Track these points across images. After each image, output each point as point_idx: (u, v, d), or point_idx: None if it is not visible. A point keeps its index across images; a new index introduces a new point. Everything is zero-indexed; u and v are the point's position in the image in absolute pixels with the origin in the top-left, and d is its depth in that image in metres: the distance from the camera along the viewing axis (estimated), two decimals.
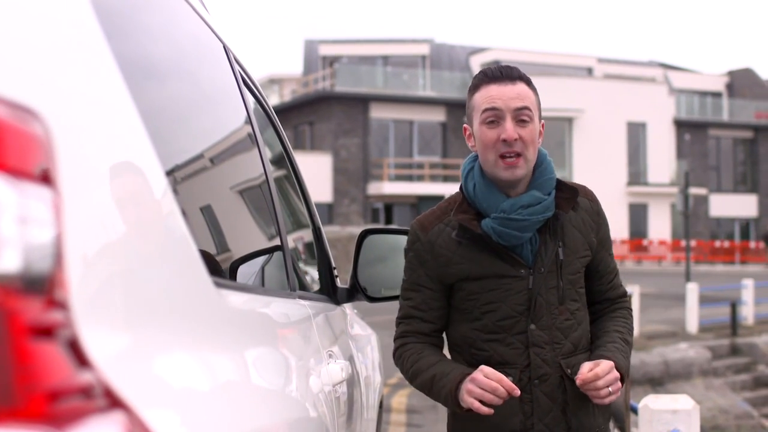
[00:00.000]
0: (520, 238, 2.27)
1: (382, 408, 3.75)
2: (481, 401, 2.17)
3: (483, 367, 2.20)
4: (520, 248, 2.29)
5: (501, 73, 2.30)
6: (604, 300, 2.46)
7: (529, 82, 2.34)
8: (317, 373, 1.86)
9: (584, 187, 2.43)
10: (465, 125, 2.39)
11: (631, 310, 2.51)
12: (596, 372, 2.20)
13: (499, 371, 2.25)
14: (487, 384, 2.16)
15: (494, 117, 2.26)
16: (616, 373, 2.23)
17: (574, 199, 2.34)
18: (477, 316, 2.31)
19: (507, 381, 2.18)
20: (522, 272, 2.28)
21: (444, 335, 2.44)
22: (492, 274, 2.29)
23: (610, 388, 2.21)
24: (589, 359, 2.30)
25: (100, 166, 0.93)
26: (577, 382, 2.21)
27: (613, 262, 2.48)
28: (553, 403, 2.28)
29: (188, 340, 1.09)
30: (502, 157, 2.26)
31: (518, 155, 2.25)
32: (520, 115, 2.26)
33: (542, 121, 2.37)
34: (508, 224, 2.26)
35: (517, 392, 2.18)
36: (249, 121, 1.95)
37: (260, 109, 2.27)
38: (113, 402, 0.79)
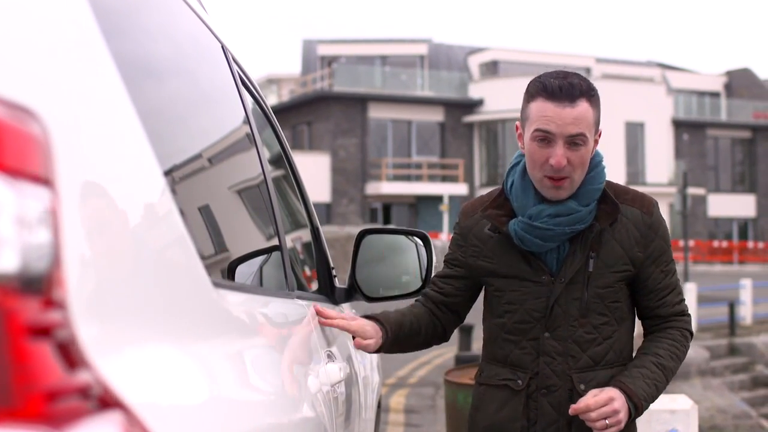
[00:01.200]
0: (541, 246, 2.22)
1: (381, 408, 3.75)
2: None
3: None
4: (545, 254, 2.25)
5: (561, 91, 2.14)
6: (654, 317, 2.33)
7: (590, 96, 2.18)
8: (315, 373, 1.86)
9: (643, 197, 2.30)
10: (517, 123, 2.30)
11: (687, 330, 2.34)
12: (588, 403, 2.12)
13: (511, 373, 2.28)
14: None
15: (545, 138, 2.16)
16: (614, 406, 2.12)
17: (615, 214, 2.24)
18: (500, 313, 2.32)
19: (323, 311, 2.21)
20: (543, 279, 2.24)
21: (451, 315, 2.46)
22: (515, 275, 2.27)
23: (606, 421, 2.12)
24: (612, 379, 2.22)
25: (98, 166, 0.93)
26: (570, 411, 2.15)
27: (668, 278, 2.31)
28: (559, 416, 2.23)
29: (186, 340, 1.09)
30: (548, 177, 2.19)
31: (565, 178, 2.18)
32: (574, 140, 2.15)
33: (600, 130, 2.26)
34: (531, 231, 2.22)
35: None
36: (247, 121, 1.95)
37: (258, 109, 2.27)
38: (111, 402, 0.79)
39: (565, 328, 2.22)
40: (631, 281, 2.29)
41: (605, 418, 2.12)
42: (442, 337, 2.49)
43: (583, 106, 2.16)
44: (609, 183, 2.32)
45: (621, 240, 2.25)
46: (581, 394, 2.20)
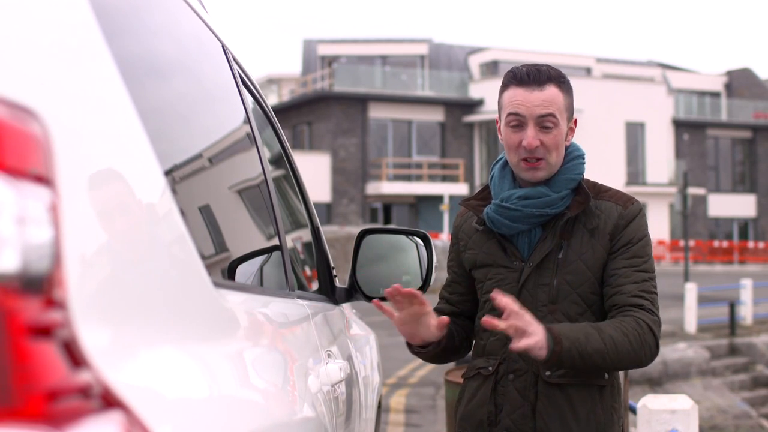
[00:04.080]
0: (510, 227, 2.30)
1: (381, 408, 3.75)
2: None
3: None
4: (518, 240, 2.32)
5: (528, 77, 2.26)
6: (611, 306, 2.23)
7: (560, 83, 2.29)
8: (316, 373, 1.86)
9: (623, 196, 2.34)
10: (496, 118, 2.41)
11: (644, 321, 2.18)
12: (507, 300, 2.04)
13: (484, 361, 2.33)
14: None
15: (517, 122, 2.27)
16: (529, 319, 2.04)
17: (585, 203, 2.28)
18: (481, 305, 2.39)
19: (402, 290, 2.21)
20: (515, 264, 2.30)
21: (469, 322, 2.48)
22: (491, 263, 2.35)
23: (517, 323, 2.02)
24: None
25: (98, 165, 0.93)
26: (483, 322, 2.05)
27: (630, 270, 2.23)
28: (524, 401, 2.25)
29: (186, 340, 1.09)
30: (524, 159, 2.28)
31: (540, 159, 2.26)
32: (544, 122, 2.25)
33: (575, 117, 2.35)
34: (500, 212, 2.30)
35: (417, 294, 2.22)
36: (248, 120, 1.95)
37: (259, 108, 2.27)
38: (111, 401, 0.79)
39: (532, 313, 2.16)
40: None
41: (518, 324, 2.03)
42: (469, 346, 2.51)
43: (551, 90, 2.26)
44: (593, 182, 2.38)
45: (593, 231, 2.28)
46: (546, 381, 2.23)
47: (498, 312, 2.13)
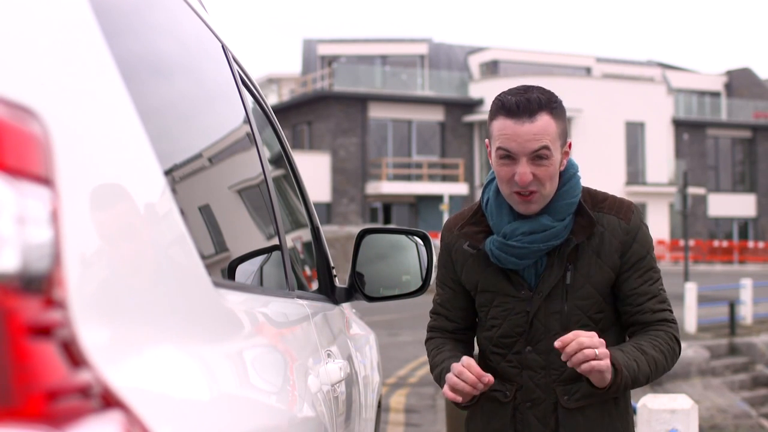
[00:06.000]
0: (518, 264, 2.22)
1: (381, 407, 3.75)
2: (455, 391, 2.14)
3: (465, 358, 2.16)
4: (523, 270, 2.24)
5: (518, 108, 2.12)
6: (635, 323, 2.25)
7: (551, 109, 2.15)
8: (316, 373, 1.86)
9: (621, 204, 2.27)
10: (486, 141, 2.27)
11: (673, 335, 2.24)
12: (576, 331, 2.06)
13: (499, 386, 2.26)
14: (460, 373, 2.13)
15: (508, 155, 2.15)
16: (602, 340, 2.05)
17: (590, 228, 2.21)
18: (487, 327, 2.32)
19: (485, 376, 2.12)
20: (523, 293, 2.24)
21: (471, 333, 2.44)
22: (496, 291, 2.27)
23: (596, 351, 2.02)
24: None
25: (98, 165, 0.93)
26: (556, 344, 2.06)
27: (647, 285, 2.24)
28: (545, 428, 2.23)
29: (186, 339, 1.09)
30: (517, 192, 2.17)
31: (533, 192, 2.16)
32: (537, 155, 2.13)
33: (569, 141, 2.24)
34: (506, 249, 2.21)
35: (489, 378, 2.12)
36: (247, 120, 1.95)
37: (259, 108, 2.27)
38: (111, 401, 0.79)
39: (546, 342, 2.20)
40: (612, 288, 2.25)
41: (594, 348, 2.03)
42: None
43: (543, 120, 2.13)
44: (587, 190, 2.30)
45: (598, 250, 2.22)
46: (565, 407, 2.20)
47: (503, 336, 2.25)
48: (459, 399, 2.16)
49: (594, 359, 2.03)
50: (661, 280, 2.30)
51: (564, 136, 2.20)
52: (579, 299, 2.21)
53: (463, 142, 36.57)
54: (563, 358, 2.06)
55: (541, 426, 2.24)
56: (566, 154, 2.23)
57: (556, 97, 2.21)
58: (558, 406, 2.22)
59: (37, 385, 0.68)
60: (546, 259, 2.23)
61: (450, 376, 2.16)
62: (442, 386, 2.27)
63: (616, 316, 2.29)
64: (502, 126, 2.15)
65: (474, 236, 2.29)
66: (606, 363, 2.04)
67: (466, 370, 2.13)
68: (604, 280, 2.22)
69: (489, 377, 2.13)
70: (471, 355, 2.36)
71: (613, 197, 2.31)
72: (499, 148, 2.16)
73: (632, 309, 2.25)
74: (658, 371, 2.20)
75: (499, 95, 2.20)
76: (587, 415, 2.23)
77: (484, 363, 2.34)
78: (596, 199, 2.28)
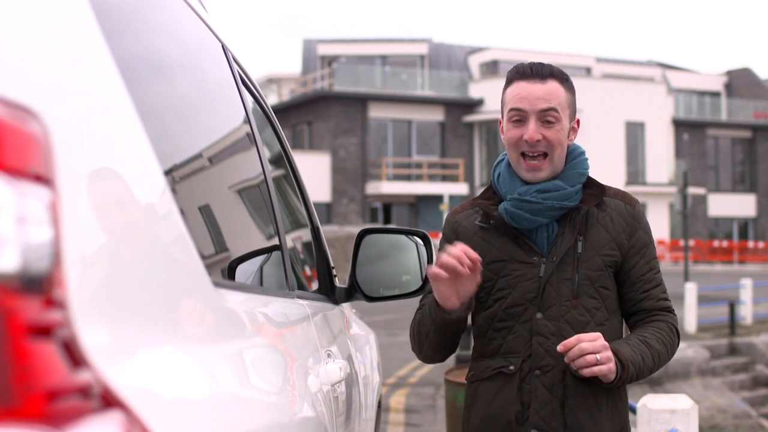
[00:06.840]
0: (531, 221, 2.28)
1: (381, 407, 3.75)
2: (441, 266, 2.12)
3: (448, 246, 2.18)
4: (535, 235, 2.30)
5: (531, 71, 2.29)
6: (639, 310, 2.34)
7: (562, 79, 2.31)
8: (316, 373, 1.86)
9: (625, 193, 2.40)
10: (499, 118, 2.40)
11: (673, 325, 2.36)
12: (579, 336, 2.14)
13: (503, 360, 2.28)
14: (447, 249, 2.14)
15: (519, 117, 2.27)
16: (604, 342, 2.14)
17: (600, 196, 2.33)
18: (489, 304, 2.32)
19: (470, 251, 2.13)
20: (534, 259, 2.28)
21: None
22: (506, 259, 2.31)
23: (598, 356, 2.12)
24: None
25: (98, 165, 0.93)
26: (558, 348, 2.14)
27: (652, 273, 2.35)
28: (553, 396, 2.24)
29: (186, 339, 1.09)
30: (525, 156, 2.27)
31: (543, 156, 2.27)
32: (546, 116, 2.26)
33: (577, 117, 2.36)
34: (520, 206, 2.28)
35: (476, 255, 2.12)
36: (247, 120, 1.95)
37: (259, 108, 2.27)
38: (111, 401, 0.79)
39: (557, 308, 2.25)
40: (617, 273, 2.32)
41: (596, 353, 2.12)
42: (458, 344, 2.47)
43: (553, 84, 2.28)
44: (591, 178, 2.41)
45: (606, 225, 2.31)
46: (574, 375, 2.21)
47: (511, 306, 2.27)
48: (443, 274, 2.12)
49: (595, 365, 2.12)
50: (660, 270, 2.40)
51: (573, 108, 2.33)
52: (589, 269, 2.27)
53: (463, 142, 36.57)
54: (565, 360, 2.15)
55: (549, 395, 2.24)
56: (574, 130, 2.35)
57: (568, 75, 2.36)
58: (567, 374, 2.23)
59: (37, 385, 0.68)
60: (557, 227, 2.30)
61: (438, 255, 2.18)
62: (425, 323, 2.30)
63: (618, 302, 2.35)
64: (515, 88, 2.30)
65: (487, 206, 2.36)
66: (608, 367, 2.13)
67: (454, 248, 2.15)
68: (612, 257, 2.29)
69: (477, 255, 2.14)
70: (458, 337, 2.36)
71: (618, 189, 2.42)
72: (511, 110, 2.29)
73: (639, 295, 2.33)
74: (661, 363, 2.31)
75: (514, 66, 2.36)
76: (594, 388, 2.25)
77: (480, 347, 2.35)
78: (602, 186, 2.39)
